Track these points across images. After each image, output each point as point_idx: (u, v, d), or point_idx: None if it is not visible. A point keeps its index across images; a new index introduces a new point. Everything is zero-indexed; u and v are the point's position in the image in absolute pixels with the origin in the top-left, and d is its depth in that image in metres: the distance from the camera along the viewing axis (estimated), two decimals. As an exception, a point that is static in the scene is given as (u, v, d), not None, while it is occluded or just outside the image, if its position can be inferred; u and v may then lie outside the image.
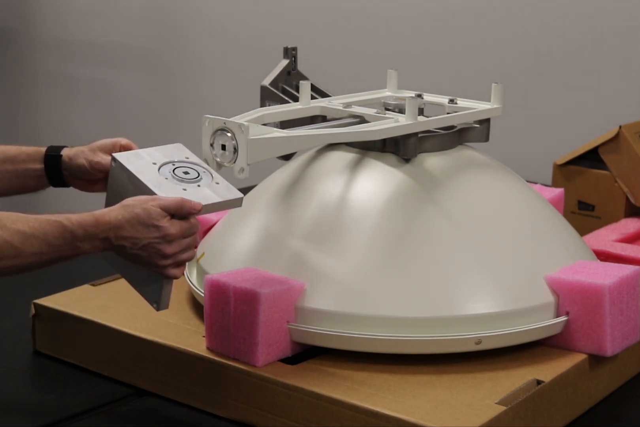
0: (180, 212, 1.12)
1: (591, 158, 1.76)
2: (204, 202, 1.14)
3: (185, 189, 1.15)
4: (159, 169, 1.17)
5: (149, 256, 1.12)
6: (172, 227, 1.11)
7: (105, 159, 1.27)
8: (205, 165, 1.19)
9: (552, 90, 2.25)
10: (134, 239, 1.10)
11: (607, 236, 1.60)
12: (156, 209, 1.10)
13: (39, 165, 1.30)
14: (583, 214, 1.77)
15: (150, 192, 1.13)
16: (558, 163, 1.79)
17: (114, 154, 1.18)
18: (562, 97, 2.23)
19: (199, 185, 1.16)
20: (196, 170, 1.18)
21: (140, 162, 1.17)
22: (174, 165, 1.18)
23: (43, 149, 1.31)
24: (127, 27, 2.94)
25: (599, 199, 1.75)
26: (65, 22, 3.05)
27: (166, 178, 1.16)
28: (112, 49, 2.98)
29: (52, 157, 1.30)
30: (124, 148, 1.27)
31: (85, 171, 1.28)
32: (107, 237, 1.10)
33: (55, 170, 1.30)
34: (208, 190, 1.16)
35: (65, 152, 1.30)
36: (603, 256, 1.49)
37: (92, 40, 3.02)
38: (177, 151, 1.21)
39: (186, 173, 1.18)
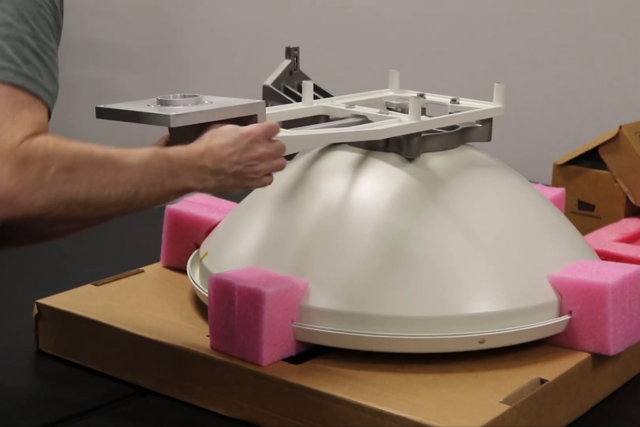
0: (270, 135, 1.11)
1: (591, 158, 1.77)
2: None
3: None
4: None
5: (246, 173, 1.09)
6: (267, 148, 1.11)
7: None
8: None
9: (552, 90, 2.26)
10: (232, 157, 1.07)
11: (607, 236, 1.60)
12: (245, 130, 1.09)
13: None
14: (583, 214, 1.77)
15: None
16: (558, 163, 1.80)
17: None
18: (562, 97, 2.24)
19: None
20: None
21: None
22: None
23: None
24: (127, 27, 2.94)
25: (599, 199, 1.76)
26: (65, 22, 3.05)
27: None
28: (112, 49, 2.98)
29: None
30: None
31: None
32: (204, 165, 1.05)
33: None
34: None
35: None
36: (603, 256, 1.49)
37: (92, 40, 3.02)
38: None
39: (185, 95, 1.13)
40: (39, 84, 0.98)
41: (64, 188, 0.95)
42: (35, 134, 0.95)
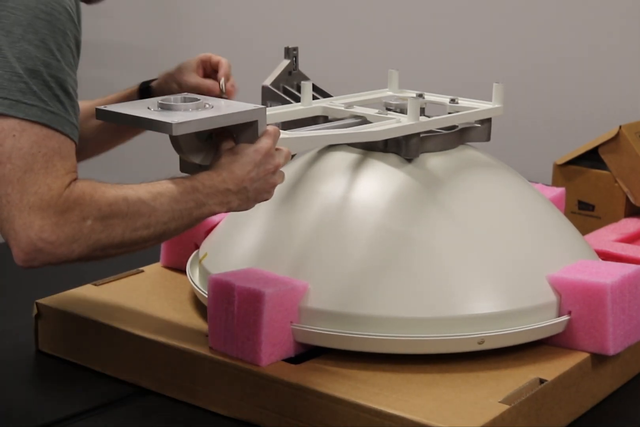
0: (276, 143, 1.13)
1: (591, 158, 1.77)
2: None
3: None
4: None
5: (265, 187, 1.12)
6: (278, 158, 1.13)
7: (194, 77, 1.31)
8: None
9: (552, 90, 2.26)
10: (251, 174, 1.09)
11: (607, 236, 1.60)
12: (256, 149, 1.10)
13: None
14: (583, 214, 1.77)
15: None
16: (558, 163, 1.80)
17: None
18: (562, 97, 2.24)
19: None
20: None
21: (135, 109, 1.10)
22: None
23: (136, 88, 1.35)
24: (127, 27, 2.94)
25: (599, 199, 1.76)
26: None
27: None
28: (112, 49, 2.98)
29: (145, 90, 1.34)
30: (207, 62, 1.32)
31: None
32: (227, 188, 1.08)
33: None
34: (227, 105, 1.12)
35: (154, 83, 1.34)
36: (603, 256, 1.49)
37: (92, 40, 3.02)
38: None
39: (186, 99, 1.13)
40: (65, 119, 0.99)
41: (100, 236, 0.98)
42: (69, 183, 0.97)
